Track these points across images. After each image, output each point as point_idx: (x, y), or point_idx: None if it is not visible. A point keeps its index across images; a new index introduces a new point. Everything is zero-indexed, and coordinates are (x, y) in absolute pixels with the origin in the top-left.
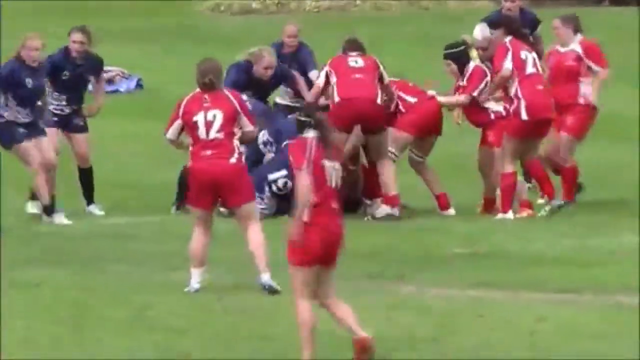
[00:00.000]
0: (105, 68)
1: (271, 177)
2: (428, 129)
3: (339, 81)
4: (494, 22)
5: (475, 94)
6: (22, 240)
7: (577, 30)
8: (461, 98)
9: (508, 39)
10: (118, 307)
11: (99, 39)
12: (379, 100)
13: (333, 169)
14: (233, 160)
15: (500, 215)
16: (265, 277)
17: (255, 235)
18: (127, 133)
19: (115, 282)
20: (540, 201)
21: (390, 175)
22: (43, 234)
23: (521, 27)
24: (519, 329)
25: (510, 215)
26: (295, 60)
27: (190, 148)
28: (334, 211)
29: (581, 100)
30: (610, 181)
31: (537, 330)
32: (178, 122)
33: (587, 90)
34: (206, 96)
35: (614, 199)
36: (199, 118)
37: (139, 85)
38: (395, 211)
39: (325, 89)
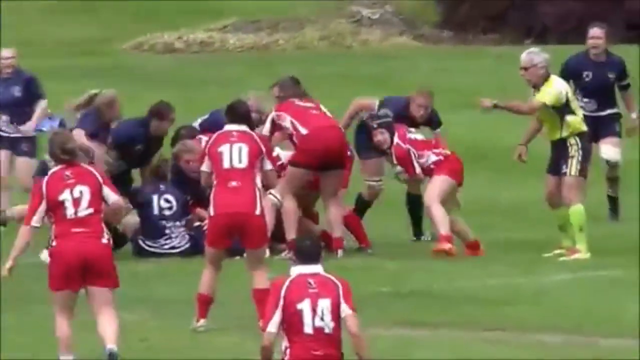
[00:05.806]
0: None
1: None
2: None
3: (298, 119)
4: None
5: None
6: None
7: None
8: None
9: None
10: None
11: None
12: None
13: None
14: (104, 240)
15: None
16: (114, 348)
17: (112, 323)
18: None
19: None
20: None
21: (339, 215)
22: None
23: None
24: None
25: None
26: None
27: (53, 228)
28: None
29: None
30: (537, 219)
31: None
32: (42, 206)
33: None
34: (68, 172)
35: (540, 238)
36: (66, 196)
37: (61, 124)
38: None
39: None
